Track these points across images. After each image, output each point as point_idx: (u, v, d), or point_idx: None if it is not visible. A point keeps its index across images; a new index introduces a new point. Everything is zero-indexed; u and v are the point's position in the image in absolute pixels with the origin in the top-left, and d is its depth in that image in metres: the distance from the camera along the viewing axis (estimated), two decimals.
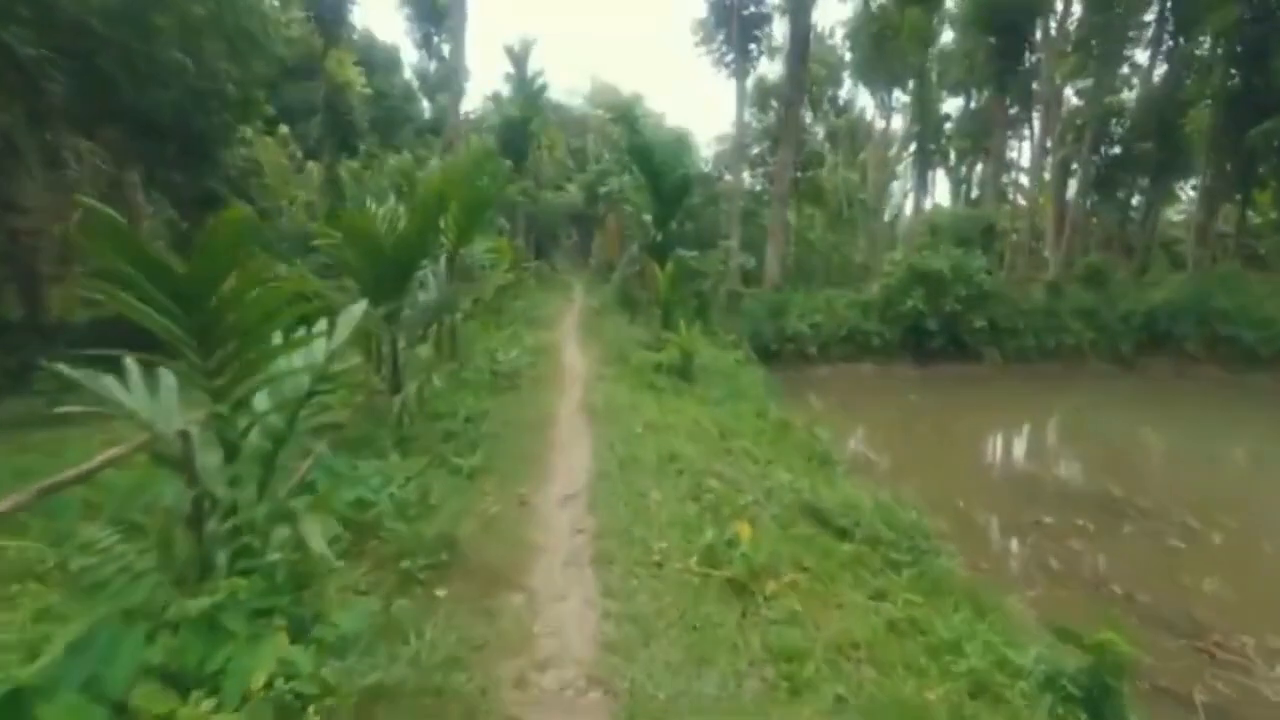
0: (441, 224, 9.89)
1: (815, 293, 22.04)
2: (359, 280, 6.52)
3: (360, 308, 4.26)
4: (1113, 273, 22.66)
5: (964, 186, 44.61)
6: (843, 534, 5.64)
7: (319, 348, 4.05)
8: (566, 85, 71.82)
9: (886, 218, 40.94)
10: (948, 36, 37.90)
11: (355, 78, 20.95)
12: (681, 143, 15.58)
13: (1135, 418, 15.47)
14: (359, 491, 5.39)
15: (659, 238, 14.88)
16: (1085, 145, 21.48)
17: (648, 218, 16.15)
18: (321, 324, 4.18)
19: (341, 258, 6.26)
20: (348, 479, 5.59)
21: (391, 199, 7.03)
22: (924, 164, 27.98)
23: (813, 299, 21.09)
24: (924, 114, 26.78)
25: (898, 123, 49.82)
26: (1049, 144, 27.05)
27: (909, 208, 49.31)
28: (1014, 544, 8.40)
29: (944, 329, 19.36)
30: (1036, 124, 34.20)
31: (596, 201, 29.71)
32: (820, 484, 7.06)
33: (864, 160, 40.43)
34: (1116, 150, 23.41)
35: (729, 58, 19.40)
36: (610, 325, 16.44)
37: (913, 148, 50.08)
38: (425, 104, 42.33)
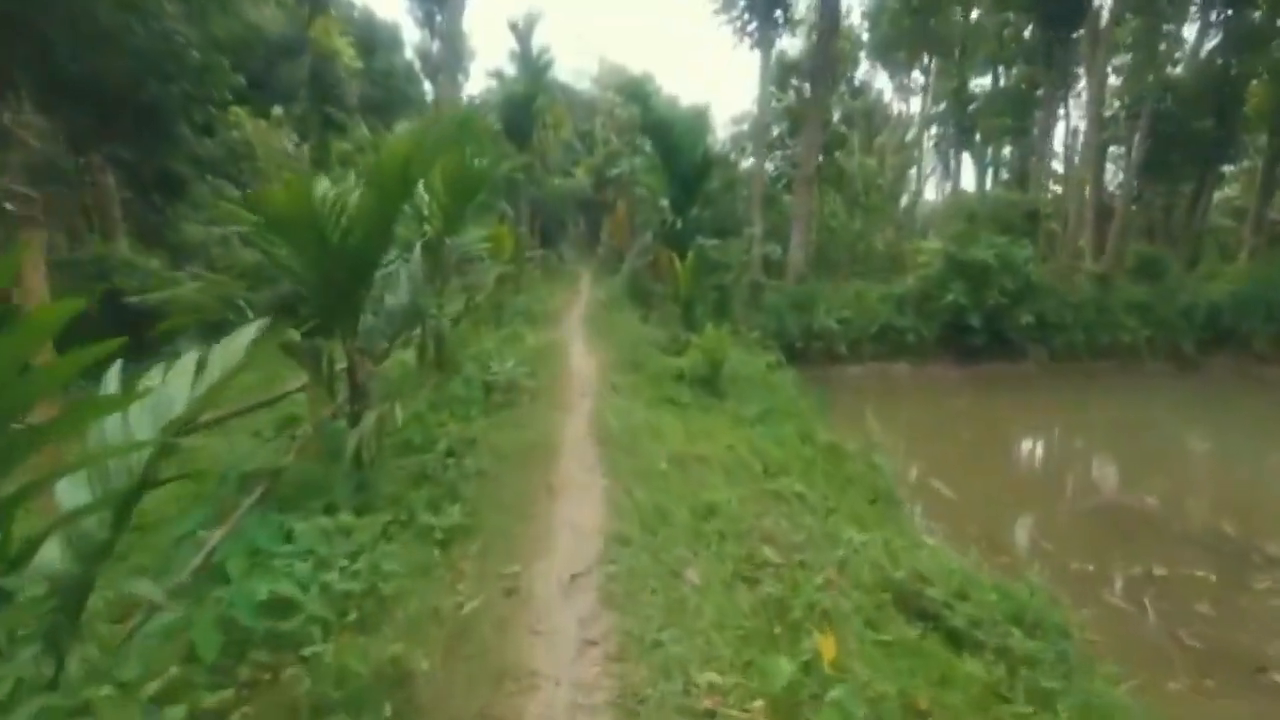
0: (419, 206, 8.35)
1: (842, 285, 20.32)
2: (298, 281, 4.96)
3: (249, 331, 2.70)
4: (1168, 264, 20.82)
5: (991, 170, 42.63)
6: (956, 639, 4.07)
7: (179, 390, 2.51)
8: (574, 67, 69.93)
9: (904, 204, 39.07)
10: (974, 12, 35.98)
11: (344, 48, 19.28)
12: (701, 119, 13.88)
13: (1215, 428, 13.76)
14: (280, 582, 3.83)
15: (677, 225, 13.23)
16: (1142, 122, 19.55)
17: (663, 202, 14.48)
18: (188, 359, 2.63)
19: (269, 252, 4.69)
20: (267, 561, 4.04)
21: (352, 178, 5.45)
22: (958, 145, 25.98)
23: (841, 292, 19.38)
24: (960, 90, 24.70)
25: (915, 106, 47.88)
26: (1092, 121, 25.13)
27: (929, 193, 47.51)
28: (1127, 605, 6.79)
29: (987, 325, 17.64)
30: (1073, 102, 32.30)
31: (605, 186, 28.01)
32: (899, 542, 5.47)
33: (881, 144, 38.51)
34: (1167, 130, 21.42)
35: (751, 26, 17.64)
36: (622, 322, 14.83)
37: (933, 130, 48.14)
38: (428, 85, 40.63)
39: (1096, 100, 22.66)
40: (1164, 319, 19.00)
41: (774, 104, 28.44)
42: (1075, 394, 16.76)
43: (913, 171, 45.15)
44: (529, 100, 21.93)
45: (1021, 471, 11.11)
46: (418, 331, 8.76)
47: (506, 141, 22.72)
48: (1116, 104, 25.88)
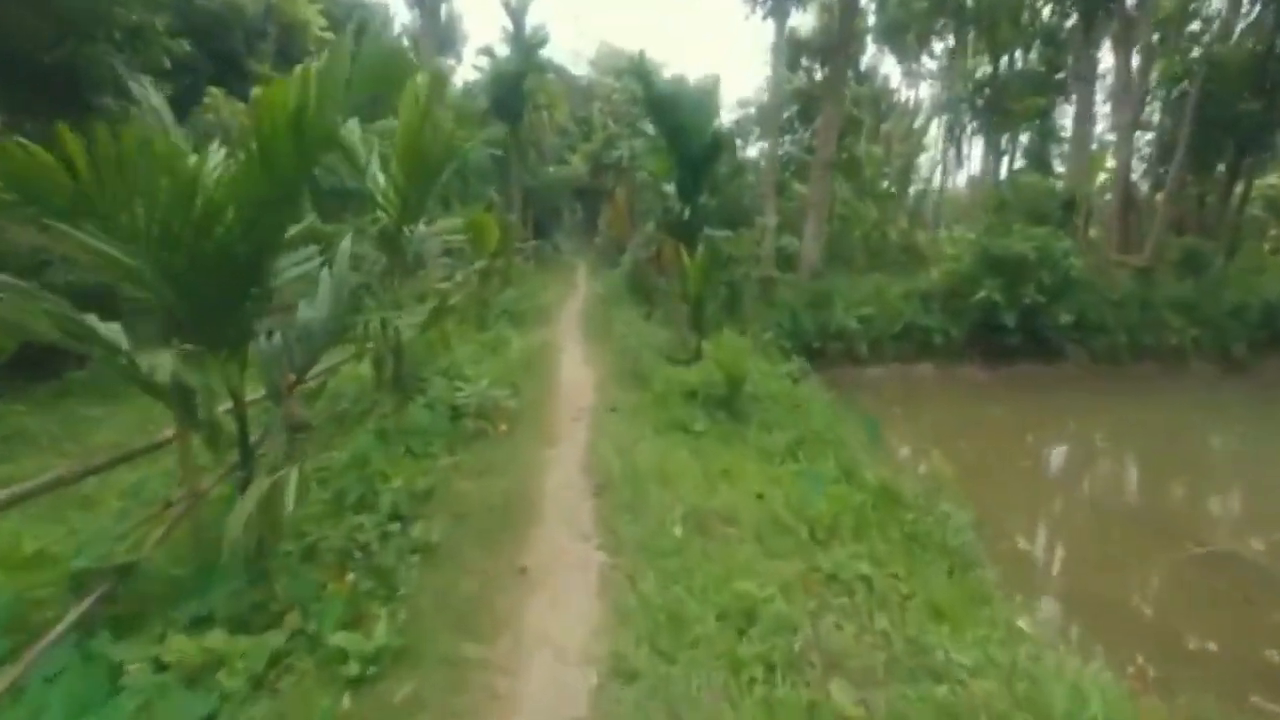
0: (373, 188, 6.77)
1: (859, 279, 18.70)
2: (150, 289, 3.37)
3: None
4: (1211, 257, 19.23)
5: (1006, 157, 40.90)
6: None
7: None
8: (572, 49, 67.62)
9: (911, 194, 37.43)
10: None
11: (314, 17, 17.50)
12: (711, 96, 12.21)
13: None
14: None
15: (685, 213, 11.59)
16: (1190, 100, 17.83)
17: (668, 188, 12.83)
18: None
19: (95, 252, 3.09)
20: None
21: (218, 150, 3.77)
22: (985, 130, 24.19)
23: (859, 287, 17.76)
24: (992, 75, 22.81)
25: (924, 91, 46.11)
26: (1120, 103, 23.40)
27: (937, 182, 45.79)
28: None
29: (1022, 325, 16.04)
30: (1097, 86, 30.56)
31: (603, 172, 26.29)
32: (1008, 653, 3.90)
33: (887, 132, 36.80)
34: (1210, 112, 19.71)
35: None
36: (622, 321, 13.22)
37: (941, 119, 46.35)
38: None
39: (1124, 80, 20.99)
40: (1211, 318, 17.43)
41: (784, 86, 26.74)
42: (1122, 400, 15.19)
43: (921, 159, 43.56)
44: (519, 78, 20.19)
45: (1092, 501, 9.55)
46: (374, 346, 7.19)
47: (495, 122, 21.03)
48: (1153, 79, 24.17)
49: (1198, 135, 18.03)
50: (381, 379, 7.25)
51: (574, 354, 10.86)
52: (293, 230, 4.15)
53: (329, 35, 17.20)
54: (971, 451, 11.91)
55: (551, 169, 31.07)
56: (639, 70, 13.07)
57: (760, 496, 5.68)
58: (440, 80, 6.34)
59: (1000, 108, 23.46)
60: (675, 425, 7.26)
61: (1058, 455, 12.07)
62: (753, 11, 16.43)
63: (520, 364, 9.61)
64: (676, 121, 11.78)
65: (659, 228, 16.74)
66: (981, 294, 15.91)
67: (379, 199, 6.72)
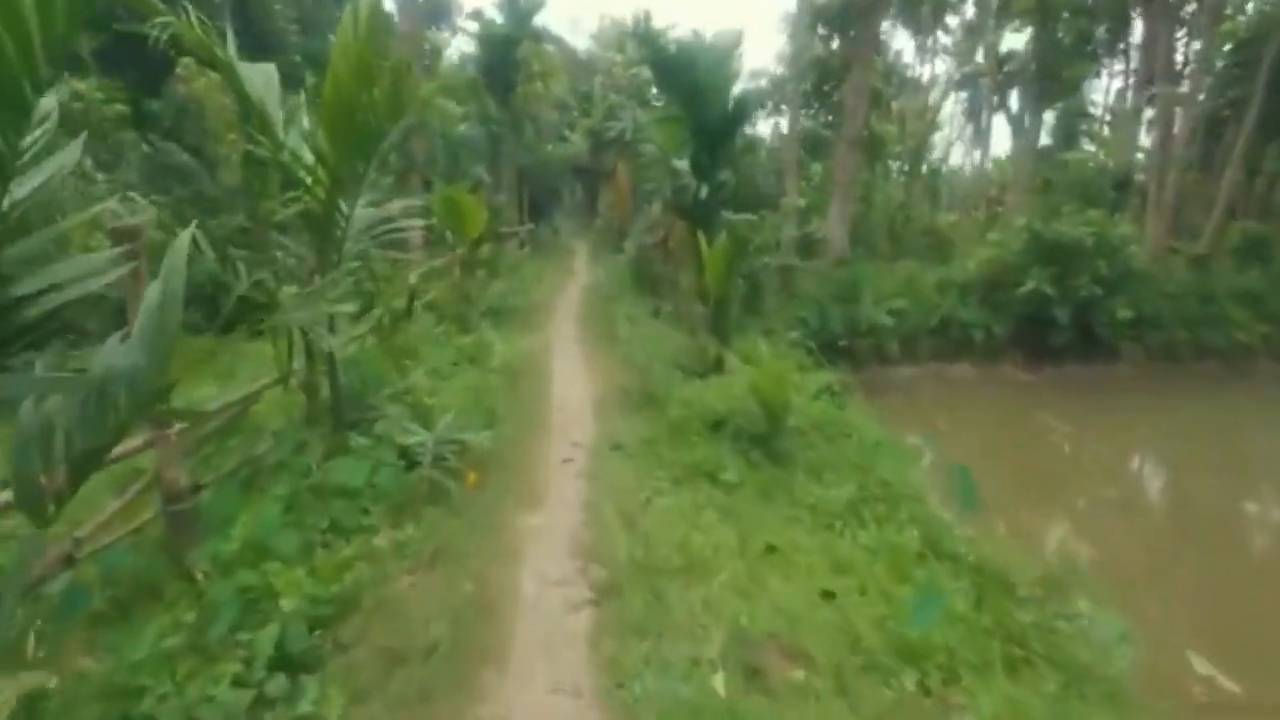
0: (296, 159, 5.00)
1: (888, 267, 16.91)
2: None
3: None
4: (1277, 244, 17.39)
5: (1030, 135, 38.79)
6: None
7: None
8: (570, 15, 64.91)
9: (925, 171, 35.53)
10: None
11: None
12: (731, 54, 10.32)
13: None
14: None
15: (701, 193, 9.78)
16: (1266, 64, 15.80)
17: (679, 164, 11.01)
18: None
19: None
20: None
21: None
22: (1041, 100, 22.05)
23: (889, 276, 15.99)
24: (1043, 30, 20.59)
25: (939, 68, 44.02)
26: (1161, 74, 21.38)
27: (954, 160, 43.70)
28: None
29: (1075, 320, 14.28)
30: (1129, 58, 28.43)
31: (604, 150, 24.35)
32: None
33: (900, 109, 34.74)
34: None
35: None
36: (626, 319, 11.48)
37: (955, 95, 44.12)
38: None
39: (1166, 48, 18.91)
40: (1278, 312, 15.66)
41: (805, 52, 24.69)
42: (1187, 404, 13.44)
43: (936, 138, 41.48)
44: (511, 44, 18.23)
45: (1227, 550, 7.81)
46: (305, 366, 5.47)
47: (485, 95, 19.12)
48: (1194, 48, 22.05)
49: (1272, 102, 15.99)
50: (315, 410, 5.53)
51: (570, 363, 9.13)
52: None
53: None
54: (1036, 474, 10.20)
55: (550, 147, 29.09)
56: (645, 31, 11.20)
57: (829, 596, 3.99)
58: (378, 17, 4.51)
59: (1051, 76, 21.27)
60: (699, 471, 5.54)
61: (1141, 478, 10.37)
62: None
63: (503, 380, 7.88)
64: (691, 85, 9.92)
65: (667, 210, 14.92)
66: (1029, 285, 14.11)
67: (301, 174, 4.96)
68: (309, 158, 4.90)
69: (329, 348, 5.05)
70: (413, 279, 8.55)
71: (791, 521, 5.00)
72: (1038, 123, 22.05)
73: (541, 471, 5.57)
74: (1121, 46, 32.19)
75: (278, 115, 5.03)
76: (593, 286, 15.88)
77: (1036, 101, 21.34)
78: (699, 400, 6.85)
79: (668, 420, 6.53)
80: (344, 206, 5.12)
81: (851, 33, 20.78)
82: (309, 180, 4.92)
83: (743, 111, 10.20)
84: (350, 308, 5.45)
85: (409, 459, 5.09)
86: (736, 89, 10.38)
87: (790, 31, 15.74)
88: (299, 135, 5.13)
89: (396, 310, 8.26)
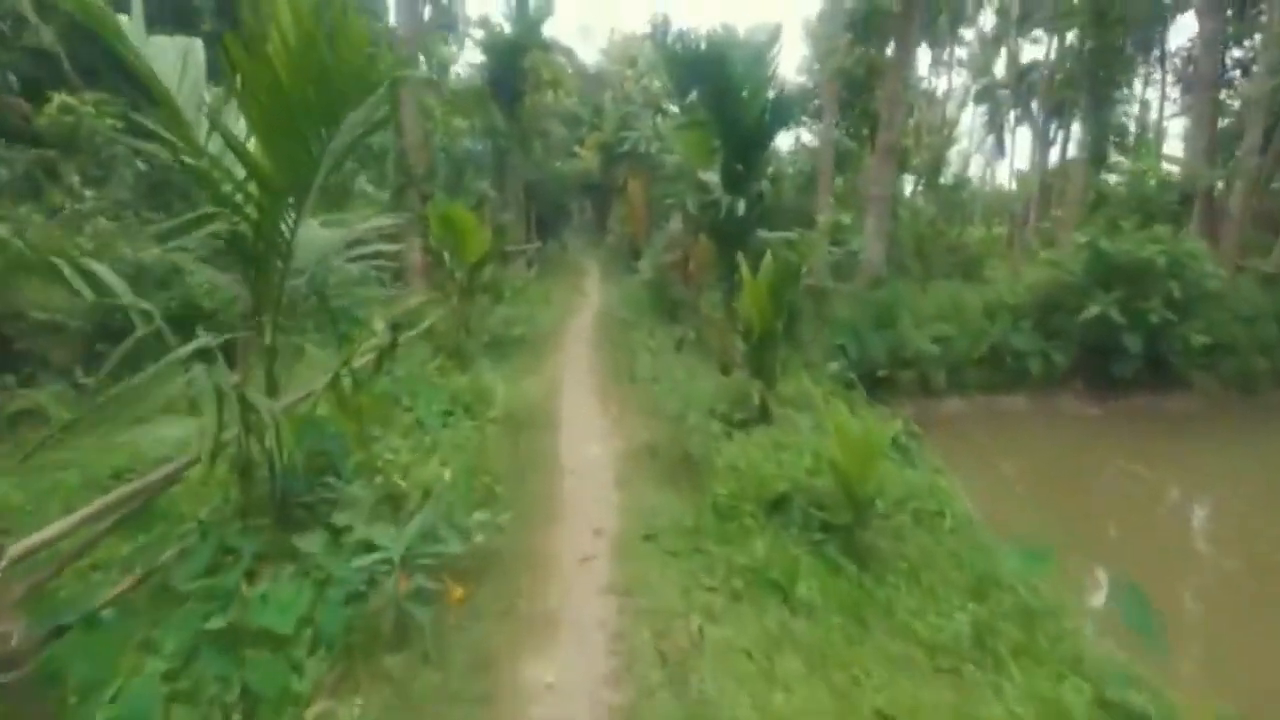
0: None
1: (926, 288, 15.48)
2: None
3: None
4: None
5: (1057, 147, 37.43)
6: None
7: None
8: (581, 24, 64.00)
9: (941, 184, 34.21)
10: None
11: None
12: (768, 50, 8.98)
13: None
14: None
15: (737, 209, 8.41)
16: None
17: (708, 176, 9.68)
18: None
19: None
20: None
21: None
22: (1097, 105, 20.58)
23: (930, 299, 14.55)
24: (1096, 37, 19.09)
25: (956, 80, 43.03)
26: (1205, 81, 19.95)
27: (974, 173, 42.38)
28: None
29: (1146, 348, 12.79)
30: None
31: (615, 164, 23.13)
32: None
33: (916, 122, 33.51)
34: None
35: None
36: (646, 351, 10.12)
37: (972, 109, 42.90)
38: (420, 59, 35.71)
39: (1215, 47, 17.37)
40: None
41: (816, 67, 23.45)
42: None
43: (953, 152, 40.23)
44: (517, 50, 17.05)
45: None
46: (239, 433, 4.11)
47: (491, 106, 17.94)
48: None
49: None
50: (251, 498, 4.15)
51: (583, 409, 7.74)
52: None
53: None
54: (1149, 546, 8.67)
55: (559, 164, 27.94)
56: (664, 30, 9.93)
57: None
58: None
59: (1104, 83, 19.79)
60: (763, 580, 4.11)
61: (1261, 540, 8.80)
62: None
63: (503, 433, 6.50)
64: (723, 85, 8.60)
65: (688, 226, 13.61)
66: (1094, 310, 12.63)
67: (229, 188, 3.62)
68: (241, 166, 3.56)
69: (268, 413, 3.70)
70: (400, 309, 7.21)
71: (901, 665, 3.56)
72: (1089, 133, 20.50)
73: (553, 578, 4.16)
74: (1156, 54, 30.91)
75: (197, 105, 3.72)
76: (606, 310, 14.53)
77: (1094, 111, 19.78)
78: (750, 467, 5.42)
79: (711, 496, 5.11)
80: (286, 227, 3.77)
81: (880, 37, 19.54)
82: (237, 195, 3.58)
83: (782, 114, 8.86)
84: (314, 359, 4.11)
85: (370, 574, 3.69)
86: (774, 89, 9.02)
87: (818, 34, 14.43)
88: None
89: (378, 348, 6.91)
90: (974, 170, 43.20)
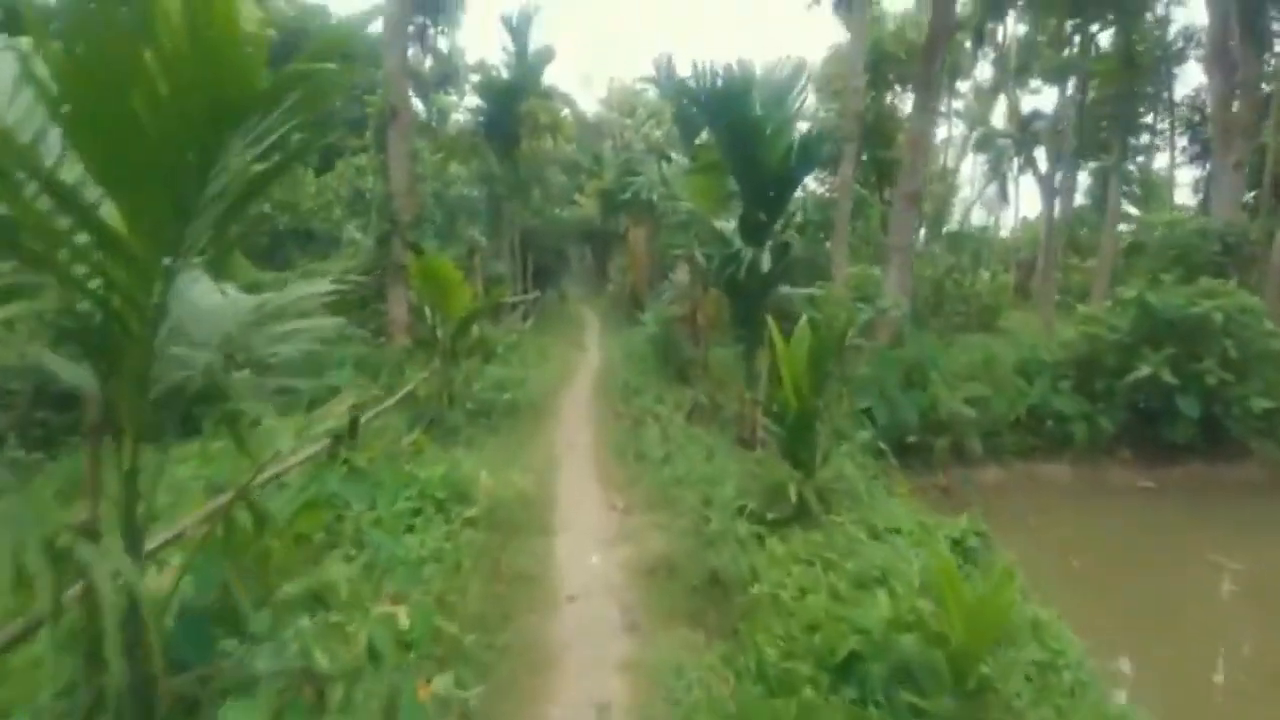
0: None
1: (952, 343, 14.39)
2: None
3: None
4: None
5: (1060, 197, 37.02)
6: None
7: None
8: (582, 72, 64.47)
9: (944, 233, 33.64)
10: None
11: (252, 11, 13.75)
12: (794, 86, 8.03)
13: None
14: None
15: (762, 264, 7.28)
16: None
17: (724, 224, 8.64)
18: None
19: None
20: None
21: None
22: (1064, 164, 20.02)
23: (960, 355, 13.43)
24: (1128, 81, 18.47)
25: (956, 129, 43.14)
26: (1224, 134, 19.32)
27: (978, 221, 41.92)
28: None
29: (1203, 411, 11.60)
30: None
31: (616, 211, 22.32)
32: None
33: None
34: None
35: None
36: (655, 422, 8.89)
37: (972, 158, 42.75)
38: (419, 104, 35.47)
39: (1248, 92, 16.65)
40: None
41: (822, 112, 22.88)
42: None
43: (955, 200, 39.92)
44: (514, 94, 16.31)
45: None
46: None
47: (486, 151, 17.12)
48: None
49: None
50: (101, 690, 2.85)
51: (583, 507, 6.45)
52: None
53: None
54: (1224, 639, 7.34)
55: (559, 210, 27.21)
56: (667, 72, 9.04)
57: None
58: None
59: (1131, 131, 19.13)
60: None
61: None
62: (816, 2, 12.59)
63: (484, 540, 5.22)
64: (742, 124, 7.60)
65: (696, 278, 12.55)
66: (1144, 370, 11.48)
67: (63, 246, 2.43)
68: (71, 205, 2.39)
69: (115, 574, 2.46)
70: (354, 397, 6.01)
71: None
72: (1118, 181, 19.72)
73: None
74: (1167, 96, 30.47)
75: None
76: (607, 369, 13.36)
77: (1120, 158, 19.04)
78: (800, 604, 4.14)
79: (755, 652, 3.80)
80: (149, 298, 2.58)
81: (889, 84, 18.97)
82: (64, 254, 2.41)
83: (810, 156, 7.83)
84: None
85: None
86: (799, 129, 8.03)
87: (832, 75, 13.67)
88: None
89: (334, 434, 5.69)
90: (976, 218, 42.83)
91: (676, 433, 8.23)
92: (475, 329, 10.46)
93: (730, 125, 7.81)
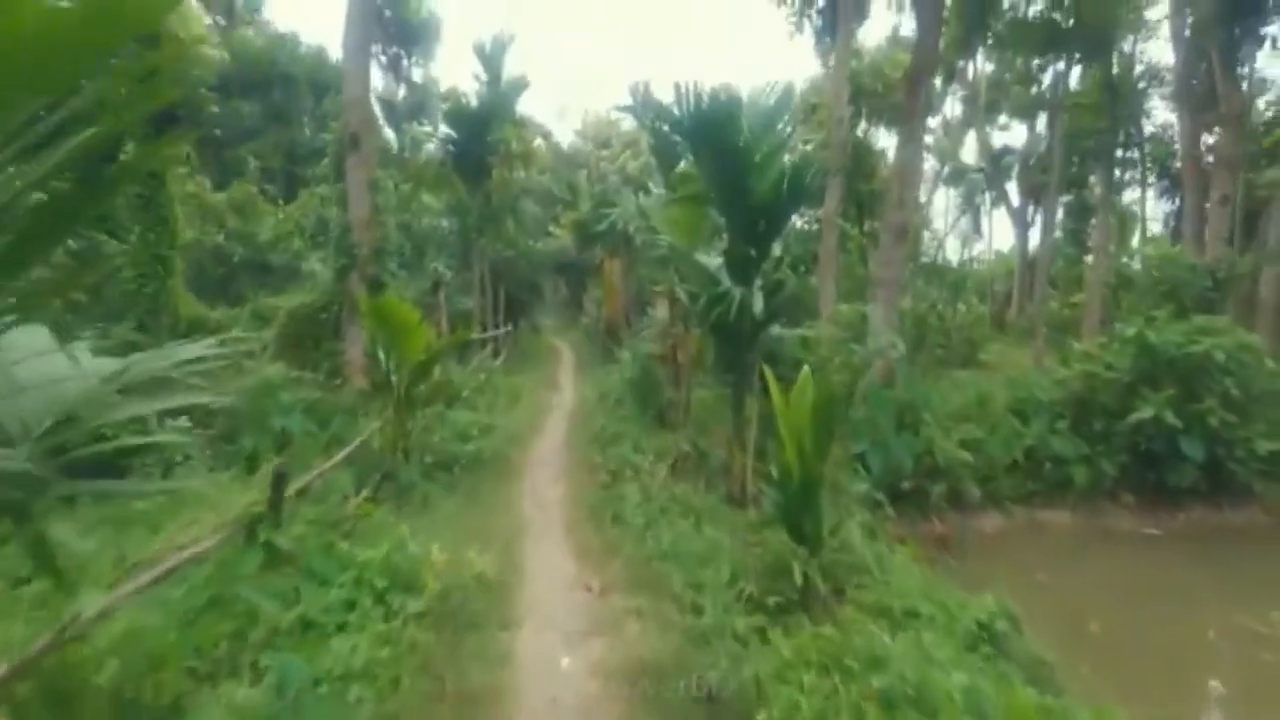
0: None
1: (946, 379, 13.83)
2: None
3: None
4: None
5: (1036, 230, 37.34)
6: None
7: None
8: (557, 105, 64.36)
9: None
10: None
11: (200, 31, 12.88)
12: (784, 111, 7.44)
13: None
14: None
15: (754, 304, 6.55)
16: None
17: (708, 259, 7.94)
18: None
19: None
20: None
21: None
22: (1041, 200, 19.93)
23: (953, 395, 12.85)
24: (1060, 140, 18.47)
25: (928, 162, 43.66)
26: (1192, 177, 19.44)
27: (948, 256, 42.20)
28: None
29: (1207, 454, 11.09)
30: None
31: (592, 242, 21.67)
32: None
33: None
34: None
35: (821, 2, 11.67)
36: (631, 475, 8.06)
37: (944, 192, 43.26)
38: (391, 134, 34.84)
39: (1230, 127, 16.71)
40: None
41: (803, 145, 22.61)
42: None
43: (926, 234, 40.17)
44: (485, 122, 15.64)
45: None
46: None
47: (456, 179, 16.38)
48: None
49: None
50: None
51: (552, 590, 5.53)
52: None
53: (222, 56, 12.55)
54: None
55: (533, 242, 26.48)
56: (643, 99, 8.40)
57: None
58: None
59: (1111, 163, 19.00)
60: None
61: None
62: (799, 30, 12.20)
63: (431, 640, 4.30)
64: (731, 151, 6.95)
65: (676, 314, 11.85)
66: (1146, 412, 10.97)
67: None
68: None
69: None
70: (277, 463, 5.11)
71: None
72: (1105, 215, 19.57)
73: None
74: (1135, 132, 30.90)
75: None
76: (582, 411, 12.51)
77: (1107, 191, 18.92)
78: None
79: None
80: None
81: (872, 114, 18.71)
82: None
83: (801, 187, 7.18)
84: None
85: None
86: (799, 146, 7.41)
87: (831, 90, 13.22)
88: None
89: (254, 512, 4.79)
90: (950, 252, 43.18)
91: (659, 491, 7.39)
92: (437, 371, 9.58)
93: (715, 152, 7.14)
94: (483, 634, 4.61)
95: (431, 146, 28.07)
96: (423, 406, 8.58)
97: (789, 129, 7.42)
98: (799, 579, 4.85)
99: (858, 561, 5.51)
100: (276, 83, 32.48)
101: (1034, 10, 19.67)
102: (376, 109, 35.52)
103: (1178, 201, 30.11)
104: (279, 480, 4.68)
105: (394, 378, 7.81)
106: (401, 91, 37.99)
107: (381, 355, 7.94)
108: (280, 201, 24.54)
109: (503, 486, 7.96)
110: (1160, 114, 30.81)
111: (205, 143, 19.33)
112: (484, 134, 15.73)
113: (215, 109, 13.77)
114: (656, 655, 4.35)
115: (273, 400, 9.21)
